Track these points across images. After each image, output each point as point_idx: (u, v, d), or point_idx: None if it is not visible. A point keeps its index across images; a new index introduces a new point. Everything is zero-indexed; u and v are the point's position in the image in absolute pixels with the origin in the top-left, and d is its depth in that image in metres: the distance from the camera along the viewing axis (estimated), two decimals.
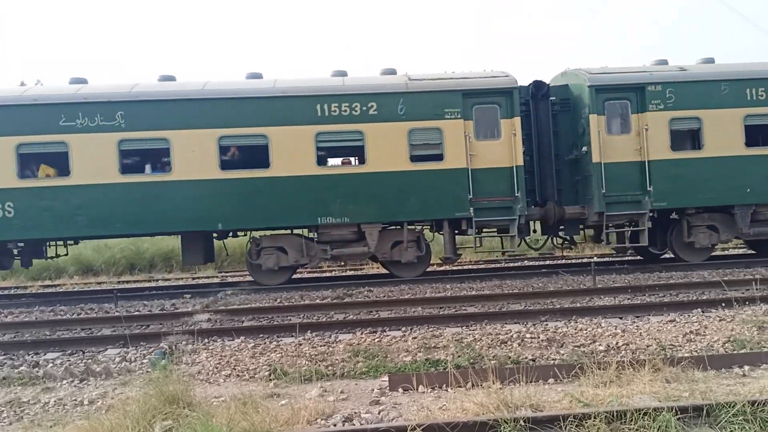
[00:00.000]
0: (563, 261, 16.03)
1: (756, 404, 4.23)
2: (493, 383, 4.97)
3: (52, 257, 12.64)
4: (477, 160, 11.90)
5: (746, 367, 5.73)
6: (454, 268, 15.72)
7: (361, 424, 4.67)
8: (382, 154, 11.66)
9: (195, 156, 11.41)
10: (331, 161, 13.12)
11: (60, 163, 11.38)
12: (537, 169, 12.60)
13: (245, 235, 12.74)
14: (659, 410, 4.16)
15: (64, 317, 9.85)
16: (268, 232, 12.35)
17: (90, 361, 7.08)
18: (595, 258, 16.30)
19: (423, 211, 11.84)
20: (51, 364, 7.01)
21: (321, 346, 7.10)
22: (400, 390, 5.58)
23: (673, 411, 4.16)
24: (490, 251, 14.66)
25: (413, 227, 12.21)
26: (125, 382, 6.29)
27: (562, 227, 12.92)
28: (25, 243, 11.86)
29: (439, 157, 11.76)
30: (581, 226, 12.84)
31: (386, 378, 5.85)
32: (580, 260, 15.97)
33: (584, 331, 7.22)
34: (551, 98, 12.62)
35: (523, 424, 4.16)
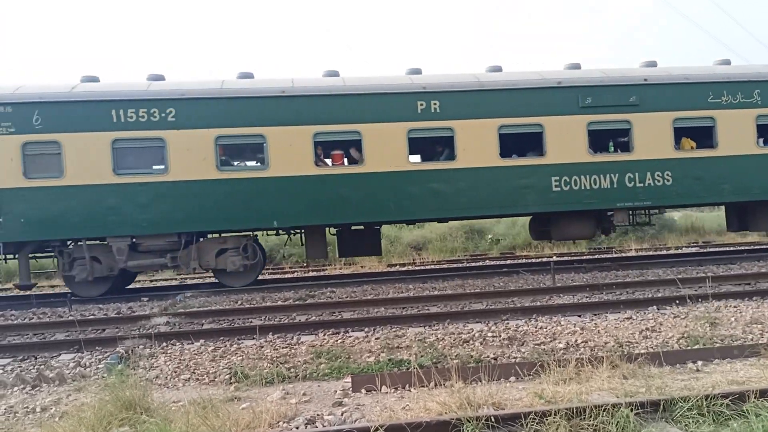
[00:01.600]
0: (524, 260, 16.28)
1: (709, 398, 4.36)
2: (456, 382, 4.99)
3: None
4: None
5: (699, 363, 5.91)
6: (417, 268, 15.81)
7: (324, 426, 4.63)
8: None
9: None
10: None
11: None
12: None
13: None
14: (617, 406, 4.24)
15: (15, 322, 9.49)
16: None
17: (42, 366, 6.83)
18: (554, 257, 16.62)
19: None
20: (1, 371, 6.74)
21: (283, 348, 7.02)
22: (363, 391, 5.56)
23: (631, 407, 4.25)
24: None
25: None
26: (80, 387, 6.09)
27: None
28: None
29: None
30: None
31: (349, 379, 5.83)
32: (539, 260, 16.25)
33: (544, 330, 7.33)
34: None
35: (485, 422, 4.19)
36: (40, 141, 11.00)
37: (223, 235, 12.03)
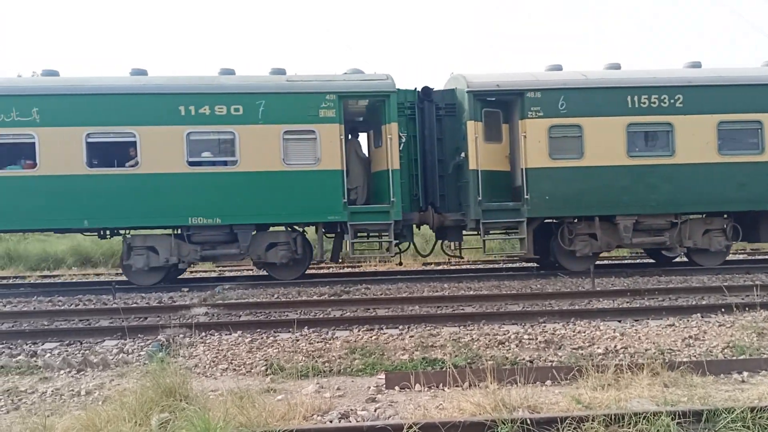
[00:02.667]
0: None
1: (755, 410, 4.22)
2: (491, 384, 4.95)
3: None
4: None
5: (745, 373, 5.71)
6: (452, 267, 15.71)
7: (357, 422, 4.65)
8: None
9: None
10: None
11: None
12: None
13: None
14: (658, 414, 4.14)
15: (63, 308, 9.83)
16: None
17: (87, 352, 7.06)
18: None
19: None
20: (49, 354, 6.99)
21: (318, 342, 7.08)
22: (397, 388, 5.56)
23: (672, 416, 4.14)
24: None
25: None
26: (122, 373, 6.28)
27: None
28: None
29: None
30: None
31: (383, 376, 5.83)
32: None
33: (582, 334, 7.20)
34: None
35: (520, 425, 4.14)
36: (564, 124, 11.91)
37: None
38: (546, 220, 12.48)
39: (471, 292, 10.29)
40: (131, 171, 11.44)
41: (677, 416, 4.17)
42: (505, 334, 7.18)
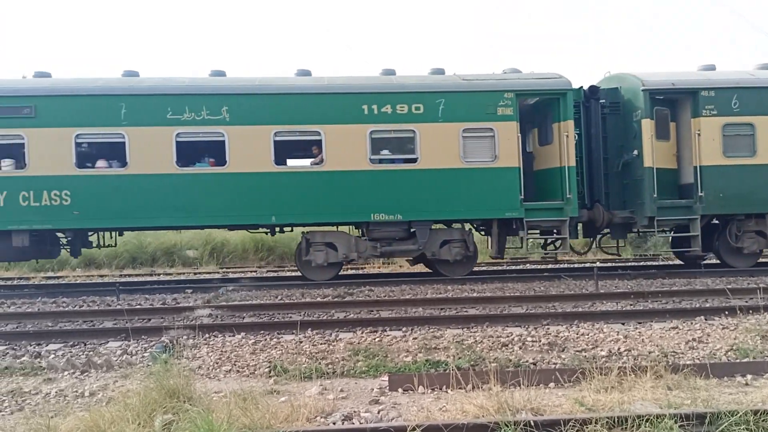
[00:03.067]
0: (565, 265, 16.00)
1: (758, 413, 4.21)
2: (494, 386, 4.95)
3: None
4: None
5: (749, 376, 5.70)
6: None
7: (360, 423, 4.66)
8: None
9: None
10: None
11: None
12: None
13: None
14: (661, 417, 4.14)
15: (67, 309, 9.87)
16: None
17: (91, 353, 7.08)
18: (597, 263, 16.25)
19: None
20: (53, 355, 7.02)
21: (321, 344, 7.09)
22: (400, 390, 5.57)
23: (675, 418, 4.14)
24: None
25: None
26: (126, 374, 6.29)
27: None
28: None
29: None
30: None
31: (386, 378, 5.84)
32: (582, 265, 15.93)
33: (586, 336, 7.20)
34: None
35: (523, 427, 4.14)
36: (737, 123, 12.16)
37: None
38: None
39: (474, 294, 10.29)
40: (317, 168, 11.73)
41: (680, 419, 4.17)
42: (508, 337, 7.18)
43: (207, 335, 7.62)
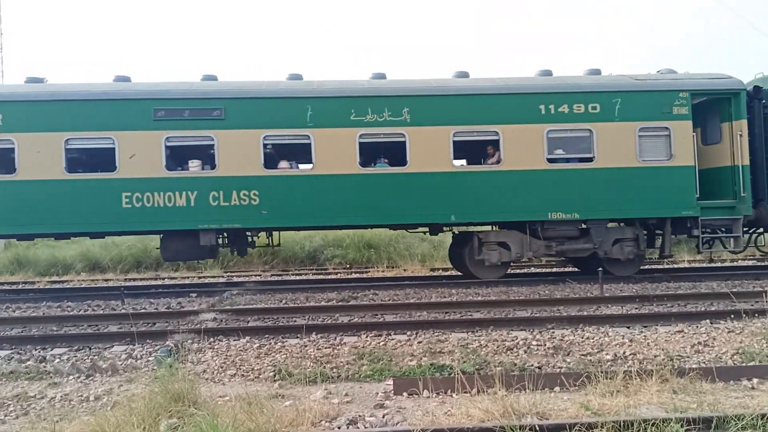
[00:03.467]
0: (571, 269, 15.96)
1: (765, 417, 4.19)
2: (499, 390, 4.94)
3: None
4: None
5: (755, 380, 5.67)
6: (459, 273, 15.68)
7: (365, 428, 4.66)
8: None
9: None
10: None
11: None
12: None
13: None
14: (667, 421, 4.13)
15: (72, 313, 9.89)
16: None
17: (96, 357, 7.10)
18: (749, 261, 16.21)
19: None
20: (58, 360, 7.03)
21: (326, 347, 7.09)
22: (405, 394, 5.56)
23: (681, 422, 4.12)
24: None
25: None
26: (131, 379, 6.30)
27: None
28: None
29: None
30: None
31: (391, 382, 5.83)
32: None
33: (591, 340, 7.18)
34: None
35: (529, 431, 4.13)
36: None
37: None
38: None
39: (479, 298, 10.28)
40: (495, 168, 11.84)
41: (686, 423, 4.16)
42: (513, 340, 7.17)
43: (212, 339, 7.62)
